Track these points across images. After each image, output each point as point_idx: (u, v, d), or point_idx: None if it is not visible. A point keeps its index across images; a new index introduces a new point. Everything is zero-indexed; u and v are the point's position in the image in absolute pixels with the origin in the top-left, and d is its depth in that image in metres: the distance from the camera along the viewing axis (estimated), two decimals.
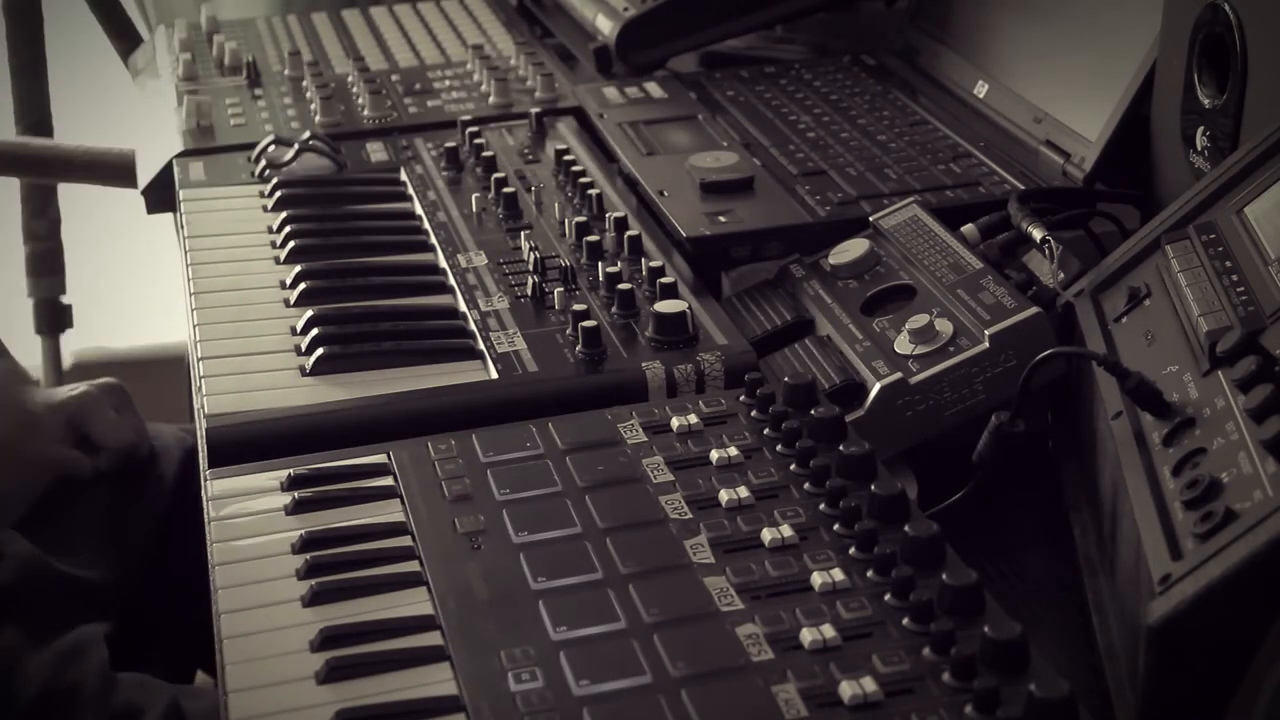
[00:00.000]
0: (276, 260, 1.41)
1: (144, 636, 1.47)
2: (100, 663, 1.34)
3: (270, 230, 1.46)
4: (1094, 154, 1.41)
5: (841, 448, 1.01)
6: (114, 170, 2.12)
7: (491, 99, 1.74)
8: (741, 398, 1.12)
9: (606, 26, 1.79)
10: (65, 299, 2.67)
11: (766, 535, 0.96)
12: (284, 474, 1.07)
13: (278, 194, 1.51)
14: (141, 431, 1.53)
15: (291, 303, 1.33)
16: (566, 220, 1.41)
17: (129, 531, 1.50)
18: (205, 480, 1.09)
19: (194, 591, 1.13)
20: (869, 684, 0.84)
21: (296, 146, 1.57)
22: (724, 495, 1.00)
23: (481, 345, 1.24)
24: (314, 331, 1.26)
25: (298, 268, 1.37)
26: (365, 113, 1.70)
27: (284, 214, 1.46)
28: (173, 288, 1.47)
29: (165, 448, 1.58)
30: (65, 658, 1.32)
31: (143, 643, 1.46)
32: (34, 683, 1.30)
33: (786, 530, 0.97)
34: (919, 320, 1.18)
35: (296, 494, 1.05)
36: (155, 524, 1.52)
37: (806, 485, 1.01)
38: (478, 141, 1.59)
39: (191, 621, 1.25)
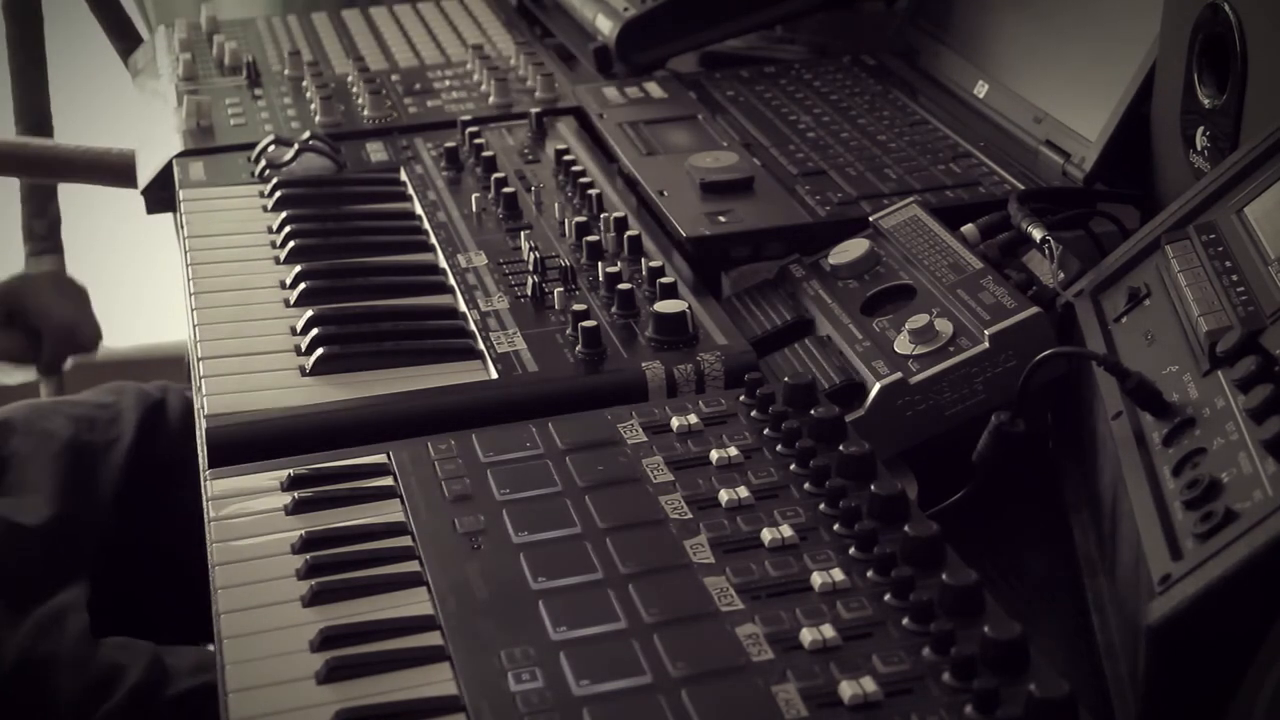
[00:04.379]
0: (276, 260, 1.41)
1: (123, 602, 1.46)
2: (79, 628, 1.33)
3: (270, 230, 1.46)
4: (1094, 154, 1.41)
5: (841, 448, 1.01)
6: (114, 170, 2.12)
7: (491, 99, 1.74)
8: (741, 398, 1.12)
9: (606, 26, 1.79)
10: None
11: (766, 535, 0.96)
12: (284, 474, 1.07)
13: (278, 194, 1.51)
14: (84, 320, 1.48)
15: (291, 303, 1.33)
16: (566, 220, 1.41)
17: (93, 491, 1.49)
18: (205, 480, 1.09)
19: (165, 551, 1.12)
20: (869, 684, 0.84)
21: (296, 146, 1.57)
22: (724, 495, 1.00)
23: (481, 345, 1.24)
24: (314, 331, 1.26)
25: (298, 268, 1.37)
26: (365, 113, 1.70)
27: (284, 214, 1.46)
28: (173, 288, 1.47)
29: (125, 405, 1.57)
30: (43, 627, 1.32)
31: (123, 608, 1.46)
32: (11, 655, 1.30)
33: (786, 530, 0.97)
34: (919, 320, 1.18)
35: (296, 494, 1.05)
36: (118, 482, 1.51)
37: (806, 485, 1.01)
38: (478, 141, 1.59)
39: (175, 590, 1.24)
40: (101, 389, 1.61)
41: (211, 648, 1.52)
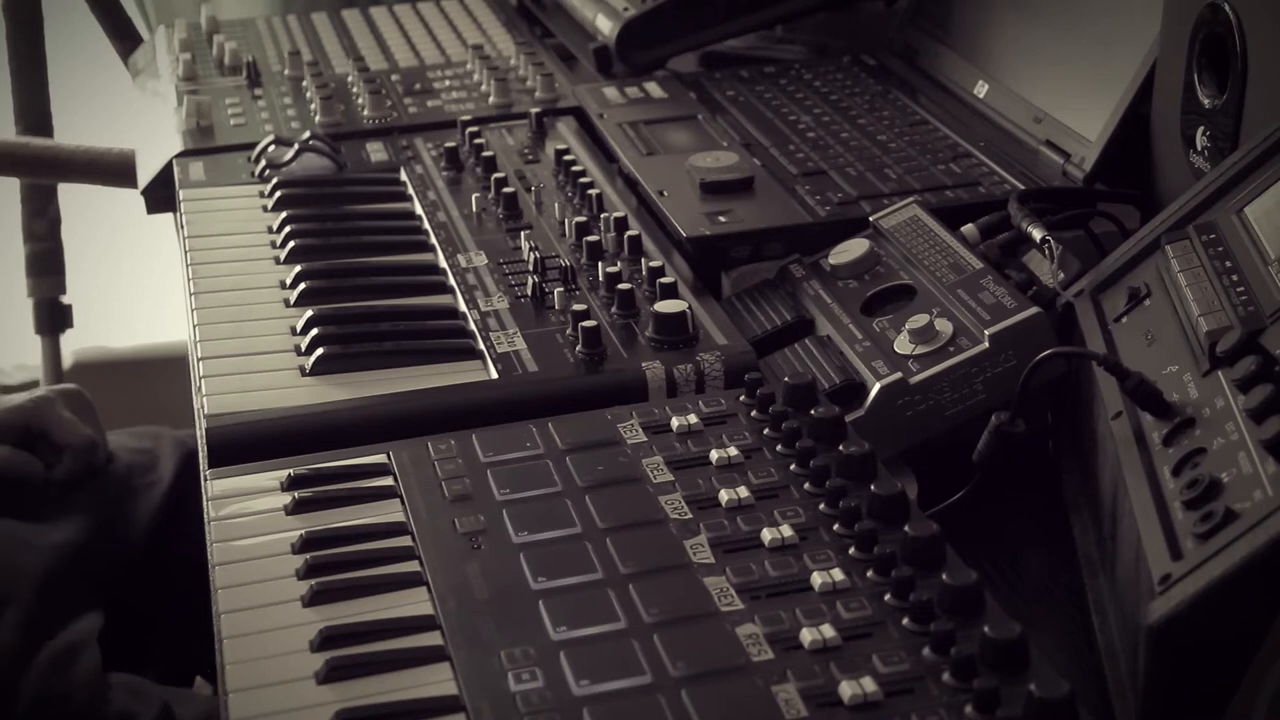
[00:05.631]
0: (276, 260, 1.41)
1: (138, 639, 1.47)
2: (93, 668, 1.33)
3: (270, 230, 1.46)
4: (1094, 154, 1.41)
5: (841, 448, 1.01)
6: (114, 170, 2.12)
7: (491, 99, 1.74)
8: (741, 398, 1.12)
9: (606, 26, 1.79)
10: (65, 299, 2.67)
11: (766, 535, 0.96)
12: (284, 474, 1.07)
13: (278, 194, 1.51)
14: (100, 438, 1.53)
15: (291, 303, 1.33)
16: (566, 220, 1.41)
17: (125, 528, 1.50)
18: (205, 480, 1.09)
19: (189, 593, 1.13)
20: (869, 684, 0.84)
21: (296, 146, 1.57)
22: (724, 495, 1.00)
23: (481, 345, 1.24)
24: (314, 331, 1.26)
25: (298, 268, 1.37)
26: (365, 113, 1.70)
27: (284, 214, 1.46)
28: (173, 288, 1.47)
29: (163, 452, 1.58)
30: (57, 663, 1.32)
31: (137, 644, 1.46)
32: (27, 691, 1.30)
33: (786, 530, 0.97)
34: (919, 320, 1.18)
35: (296, 494, 1.05)
36: (151, 523, 1.52)
37: (806, 485, 1.01)
38: (478, 141, 1.59)
39: (187, 625, 1.25)
40: (137, 433, 1.63)
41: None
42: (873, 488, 0.97)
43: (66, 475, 1.49)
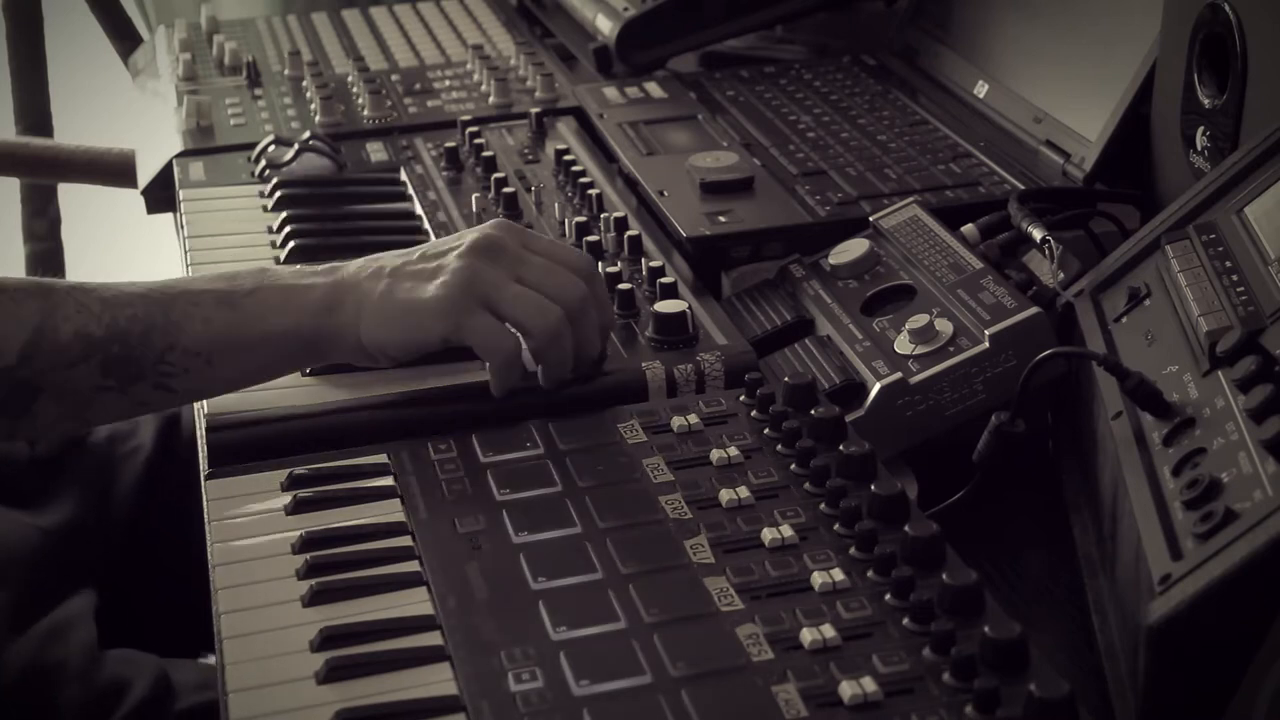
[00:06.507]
0: (277, 260, 1.41)
1: (132, 612, 1.46)
2: (86, 639, 1.33)
3: (270, 230, 1.46)
4: (1094, 154, 1.41)
5: (841, 448, 1.01)
6: (114, 170, 2.12)
7: (491, 99, 1.74)
8: (741, 398, 1.12)
9: (606, 26, 1.79)
10: None
11: (766, 535, 0.96)
12: (284, 474, 1.07)
13: (278, 194, 1.51)
14: None
15: None
16: (566, 220, 1.41)
17: (111, 501, 1.50)
18: (205, 480, 1.09)
19: (178, 566, 1.12)
20: (869, 684, 0.84)
21: (296, 146, 1.57)
22: (724, 495, 1.00)
23: None
24: None
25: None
26: (365, 113, 1.70)
27: (284, 214, 1.46)
28: None
29: (143, 419, 1.57)
30: (49, 636, 1.32)
31: (132, 619, 1.46)
32: (17, 663, 1.30)
33: (786, 530, 0.97)
34: (919, 320, 1.18)
35: (296, 494, 1.05)
36: (135, 492, 1.51)
37: (806, 485, 1.01)
38: (478, 141, 1.59)
39: (180, 598, 1.24)
40: None
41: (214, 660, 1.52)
42: (873, 488, 0.97)
43: (48, 452, 1.48)
